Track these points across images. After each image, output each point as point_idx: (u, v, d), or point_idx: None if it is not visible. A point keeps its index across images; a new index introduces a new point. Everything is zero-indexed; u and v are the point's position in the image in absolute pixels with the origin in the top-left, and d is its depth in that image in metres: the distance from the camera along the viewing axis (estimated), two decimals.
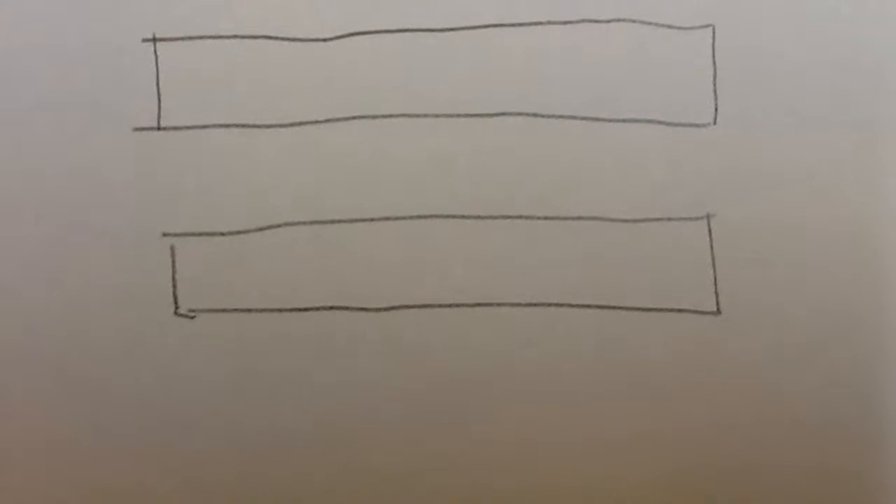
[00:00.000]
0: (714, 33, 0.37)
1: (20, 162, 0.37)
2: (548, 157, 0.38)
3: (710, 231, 0.37)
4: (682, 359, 0.37)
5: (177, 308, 0.37)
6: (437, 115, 0.37)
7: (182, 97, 0.37)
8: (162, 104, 0.37)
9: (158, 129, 0.37)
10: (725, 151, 0.37)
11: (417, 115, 0.37)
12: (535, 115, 0.37)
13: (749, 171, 0.37)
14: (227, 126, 0.37)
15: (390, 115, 0.37)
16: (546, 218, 0.37)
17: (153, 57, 0.37)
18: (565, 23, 0.37)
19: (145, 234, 0.37)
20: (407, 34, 0.37)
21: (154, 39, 0.37)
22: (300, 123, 0.37)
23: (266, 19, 0.37)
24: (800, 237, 0.37)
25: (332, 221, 0.37)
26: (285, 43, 0.37)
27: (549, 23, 0.37)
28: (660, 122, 0.38)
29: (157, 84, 0.37)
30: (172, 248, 0.37)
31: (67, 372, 0.37)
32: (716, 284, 0.37)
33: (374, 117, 0.37)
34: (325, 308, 0.37)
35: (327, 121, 0.37)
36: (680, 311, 0.37)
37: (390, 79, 0.37)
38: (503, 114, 0.37)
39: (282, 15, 0.37)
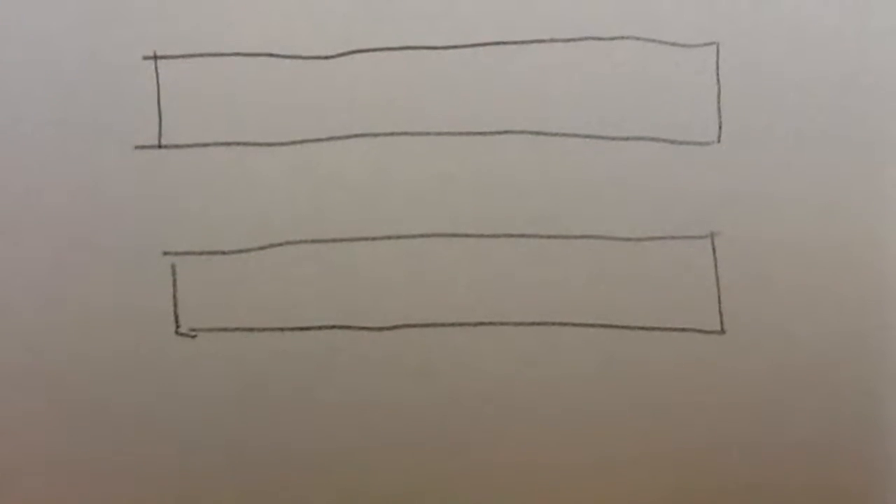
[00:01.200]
0: (718, 51, 0.37)
1: (21, 180, 0.37)
2: (551, 176, 0.37)
3: (713, 250, 0.37)
4: (686, 378, 0.37)
5: (178, 327, 0.37)
6: (439, 133, 0.37)
7: (183, 115, 0.37)
8: (163, 122, 0.37)
9: (159, 147, 0.37)
10: (729, 170, 0.37)
11: (419, 134, 0.37)
12: (538, 133, 0.37)
13: (753, 190, 0.37)
14: (229, 144, 0.37)
15: (392, 134, 0.37)
16: (549, 236, 0.37)
17: (154, 75, 0.37)
18: (568, 40, 0.37)
19: (146, 253, 0.37)
20: (409, 52, 0.37)
21: (155, 57, 0.37)
22: (302, 142, 0.37)
23: (267, 37, 0.37)
24: (804, 256, 0.37)
25: (334, 240, 0.37)
26: (287, 60, 0.37)
27: (553, 40, 0.37)
28: (663, 141, 0.37)
29: (158, 102, 0.37)
30: (173, 267, 0.37)
31: (68, 391, 0.37)
32: (719, 303, 0.37)
33: (376, 135, 0.37)
34: (326, 327, 0.37)
35: (329, 139, 0.37)
36: (683, 330, 0.37)
37: (392, 97, 0.37)
38: (506, 132, 0.37)
39: (283, 32, 0.37)
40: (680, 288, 0.37)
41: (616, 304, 0.37)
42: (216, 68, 0.37)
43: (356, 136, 0.37)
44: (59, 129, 0.37)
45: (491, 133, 0.37)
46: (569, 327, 0.37)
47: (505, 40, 0.37)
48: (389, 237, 0.37)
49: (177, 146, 0.37)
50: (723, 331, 0.37)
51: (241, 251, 0.37)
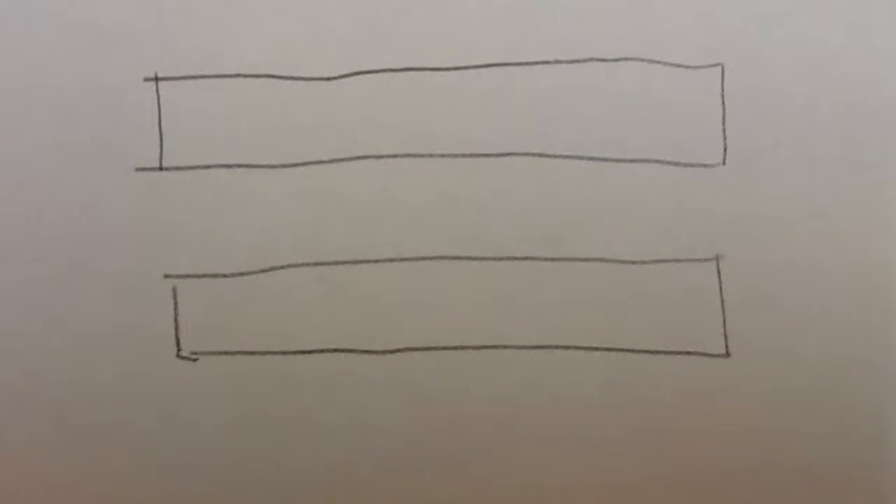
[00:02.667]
0: (723, 73, 0.37)
1: (21, 202, 0.37)
2: (554, 198, 0.37)
3: (718, 273, 0.37)
4: (691, 402, 0.37)
5: (179, 350, 0.37)
6: (442, 155, 0.37)
7: (184, 137, 0.37)
8: (164, 144, 0.37)
9: (160, 169, 0.37)
10: (734, 192, 0.37)
11: (422, 155, 0.37)
12: (541, 155, 0.37)
13: (758, 212, 0.37)
14: (230, 166, 0.37)
15: (395, 156, 0.37)
16: (552, 259, 0.37)
17: (155, 96, 0.37)
18: (572, 62, 0.37)
19: (147, 276, 0.37)
20: (412, 73, 0.37)
21: (156, 79, 0.37)
22: (304, 164, 0.37)
23: (269, 58, 0.37)
24: (810, 278, 0.37)
25: (337, 263, 0.37)
26: (289, 82, 0.37)
27: (557, 62, 0.37)
28: (668, 163, 0.37)
29: (160, 123, 0.37)
30: (174, 290, 0.37)
31: (68, 415, 0.37)
32: (725, 327, 0.37)
33: (379, 157, 0.37)
34: (329, 351, 0.37)
35: (331, 161, 0.37)
36: (688, 353, 0.37)
37: (395, 118, 0.37)
38: (509, 154, 0.37)
39: (285, 54, 0.37)
40: (685, 311, 0.37)
41: (620, 327, 0.37)
42: (218, 90, 0.37)
43: (359, 158, 0.37)
44: (59, 150, 0.37)
45: (494, 155, 0.37)
46: (572, 350, 0.37)
47: (508, 62, 0.37)
48: (392, 260, 0.37)
49: (178, 168, 0.37)
50: (728, 354, 0.37)
51: (242, 274, 0.37)
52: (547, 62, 0.37)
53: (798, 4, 0.37)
